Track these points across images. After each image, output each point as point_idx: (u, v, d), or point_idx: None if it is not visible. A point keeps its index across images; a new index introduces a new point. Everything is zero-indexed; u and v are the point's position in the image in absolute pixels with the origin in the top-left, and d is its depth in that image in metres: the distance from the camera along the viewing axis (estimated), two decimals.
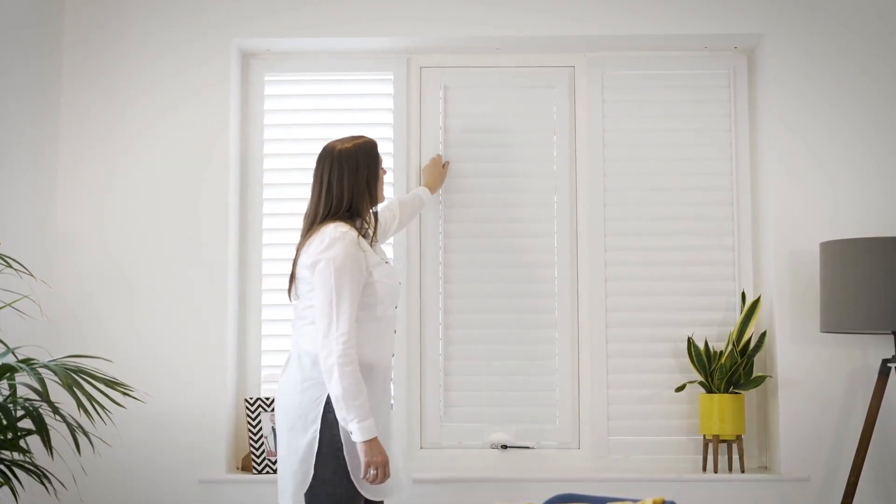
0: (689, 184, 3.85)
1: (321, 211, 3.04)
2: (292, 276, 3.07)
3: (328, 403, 2.91)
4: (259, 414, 3.68)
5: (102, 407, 2.85)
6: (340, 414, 2.85)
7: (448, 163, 3.82)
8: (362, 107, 3.93)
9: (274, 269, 3.85)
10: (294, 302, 3.09)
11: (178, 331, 3.67)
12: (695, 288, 3.81)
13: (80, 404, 2.73)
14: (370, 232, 3.07)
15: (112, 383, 2.77)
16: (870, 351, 3.59)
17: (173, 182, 3.73)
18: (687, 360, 3.71)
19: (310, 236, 3.00)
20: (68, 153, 3.75)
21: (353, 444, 2.88)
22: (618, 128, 3.88)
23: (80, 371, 2.70)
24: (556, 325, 3.83)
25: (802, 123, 3.70)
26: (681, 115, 3.88)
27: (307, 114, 3.93)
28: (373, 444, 2.85)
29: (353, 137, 3.13)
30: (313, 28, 3.78)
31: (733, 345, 3.62)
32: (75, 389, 2.69)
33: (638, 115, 3.88)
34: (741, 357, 3.60)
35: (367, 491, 2.93)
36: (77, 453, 2.91)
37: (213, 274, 3.69)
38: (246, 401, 3.69)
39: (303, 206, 3.82)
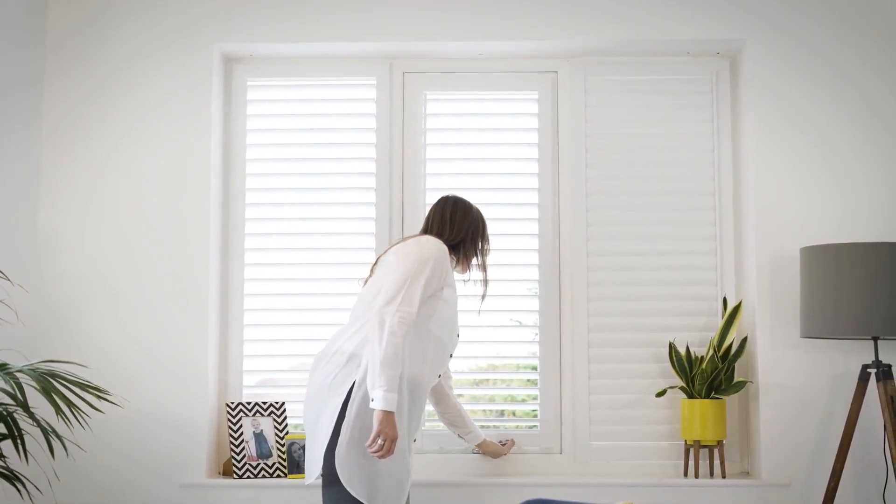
0: (672, 189, 3.85)
1: (430, 228, 3.27)
2: (372, 270, 3.20)
3: (348, 396, 2.97)
4: (240, 419, 3.68)
5: (80, 411, 2.85)
6: (371, 378, 2.89)
7: (513, 443, 3.73)
8: (345, 112, 3.94)
9: (256, 274, 3.86)
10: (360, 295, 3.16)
11: (160, 336, 3.67)
12: (677, 293, 3.81)
13: (57, 409, 2.73)
14: (459, 260, 3.27)
15: (86, 386, 2.77)
16: (850, 356, 3.59)
17: (155, 186, 3.73)
18: (669, 365, 3.71)
19: (407, 238, 3.20)
20: (50, 158, 3.75)
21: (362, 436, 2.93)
22: (600, 133, 3.88)
23: (52, 375, 2.69)
24: (538, 329, 3.83)
25: (784, 129, 3.71)
26: (663, 120, 3.88)
27: (290, 119, 3.93)
28: (390, 417, 2.87)
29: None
30: (296, 33, 3.78)
31: (714, 350, 3.62)
32: (52, 394, 2.69)
33: (621, 121, 3.88)
34: (722, 362, 3.60)
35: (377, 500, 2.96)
36: (51, 457, 2.91)
37: (195, 279, 3.69)
38: (227, 405, 3.69)
39: (286, 211, 3.88)
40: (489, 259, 3.39)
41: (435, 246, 3.10)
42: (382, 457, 2.88)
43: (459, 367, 3.80)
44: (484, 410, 3.85)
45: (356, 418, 2.96)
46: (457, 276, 3.30)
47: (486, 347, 3.85)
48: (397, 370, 2.88)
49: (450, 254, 3.18)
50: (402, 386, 2.97)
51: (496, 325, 3.85)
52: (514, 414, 3.86)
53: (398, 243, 3.18)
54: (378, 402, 2.86)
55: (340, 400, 2.97)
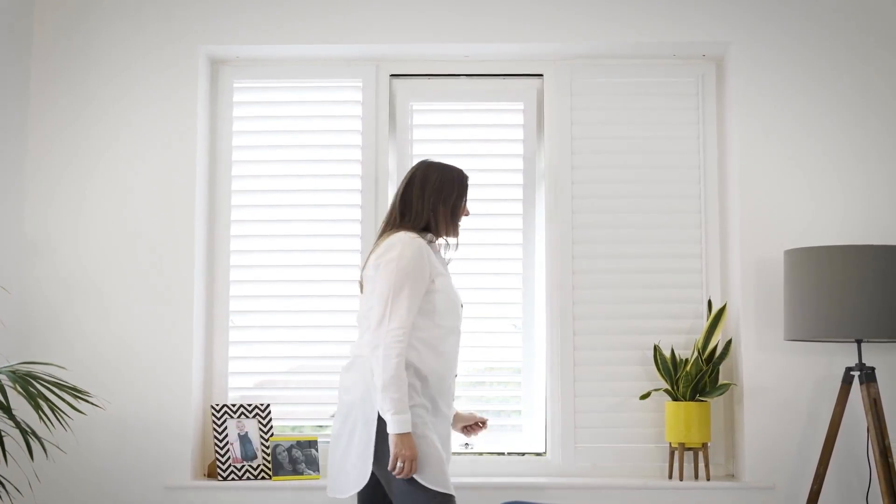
0: (657, 191, 3.86)
1: (394, 218, 3.12)
2: (362, 275, 3.13)
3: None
4: (225, 421, 3.68)
5: (61, 412, 2.85)
6: (379, 404, 2.88)
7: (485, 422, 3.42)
8: (331, 114, 3.94)
9: (242, 276, 3.87)
10: (362, 302, 3.11)
11: (145, 337, 3.67)
12: (662, 295, 3.81)
13: (38, 410, 2.73)
14: (437, 241, 3.15)
15: (64, 387, 2.77)
16: (834, 359, 3.59)
17: (141, 189, 3.73)
18: (653, 367, 3.71)
19: (380, 240, 3.08)
20: (36, 160, 3.75)
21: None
22: (586, 135, 3.88)
23: (32, 376, 2.69)
24: (523, 331, 3.83)
25: (769, 132, 3.71)
26: (649, 123, 3.89)
27: (276, 120, 3.94)
28: (404, 439, 2.85)
29: (446, 164, 3.18)
30: (282, 35, 3.78)
31: (699, 352, 3.62)
32: (35, 396, 2.70)
33: (606, 123, 3.89)
34: (706, 365, 3.60)
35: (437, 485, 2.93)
36: (30, 459, 2.91)
37: (180, 280, 3.69)
38: (212, 407, 3.69)
39: (272, 213, 3.88)
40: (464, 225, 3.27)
41: (407, 247, 2.98)
42: (406, 476, 2.87)
43: (459, 369, 3.79)
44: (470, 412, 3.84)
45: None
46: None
47: (472, 351, 3.84)
48: (401, 390, 2.87)
49: (425, 236, 3.08)
50: (425, 389, 2.97)
51: (482, 329, 3.84)
52: (499, 415, 3.86)
53: (374, 249, 3.08)
54: (391, 427, 2.85)
55: (375, 406, 2.93)
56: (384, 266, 2.96)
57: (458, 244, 3.20)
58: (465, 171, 3.19)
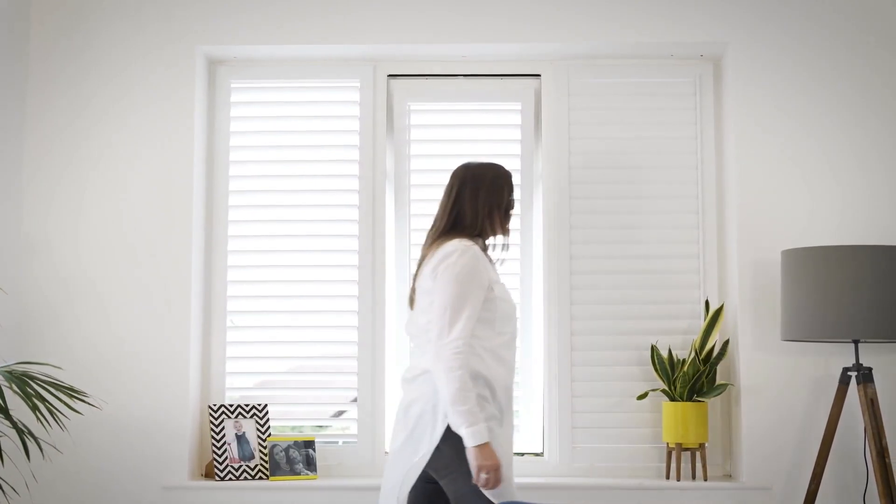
0: (655, 192, 3.86)
1: (445, 226, 3.04)
2: (413, 288, 3.06)
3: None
4: (222, 421, 3.68)
5: (58, 412, 2.85)
6: (450, 419, 2.82)
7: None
8: (329, 114, 3.94)
9: (239, 276, 3.87)
10: (413, 318, 3.05)
11: (142, 337, 3.67)
12: (659, 296, 3.81)
13: (34, 410, 2.73)
14: (491, 249, 3.10)
15: (60, 387, 2.77)
16: (831, 359, 3.59)
17: (138, 188, 3.74)
18: (651, 368, 3.71)
19: (432, 249, 2.99)
20: (33, 160, 3.75)
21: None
22: (584, 135, 3.88)
23: (27, 376, 2.70)
24: (520, 332, 3.83)
25: (766, 132, 3.71)
26: (647, 123, 3.88)
27: (274, 121, 3.94)
28: (483, 450, 2.79)
29: (491, 162, 3.12)
30: (280, 35, 3.78)
31: (696, 353, 3.62)
32: (32, 396, 2.70)
33: (604, 123, 3.88)
34: (704, 365, 3.60)
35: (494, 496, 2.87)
36: (27, 459, 2.91)
37: (178, 280, 3.69)
38: (209, 407, 3.70)
39: (269, 213, 3.88)
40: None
41: (463, 256, 2.91)
42: (493, 487, 2.82)
43: None
44: None
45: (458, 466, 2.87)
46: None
47: None
48: (469, 401, 2.80)
49: (478, 242, 3.02)
50: (494, 399, 2.91)
51: None
52: None
53: (426, 259, 3.00)
54: (468, 441, 2.80)
55: (442, 418, 2.87)
56: (442, 276, 2.89)
57: (508, 244, 3.16)
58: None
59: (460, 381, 2.80)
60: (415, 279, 3.06)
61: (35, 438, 2.85)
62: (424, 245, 3.07)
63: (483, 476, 2.79)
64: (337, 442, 3.84)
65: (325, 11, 3.78)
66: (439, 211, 3.09)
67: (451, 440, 2.84)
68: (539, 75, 3.92)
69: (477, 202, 3.03)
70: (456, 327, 2.84)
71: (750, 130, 3.71)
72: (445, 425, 2.85)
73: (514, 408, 3.80)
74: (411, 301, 3.08)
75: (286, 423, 3.86)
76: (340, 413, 3.87)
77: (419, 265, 3.04)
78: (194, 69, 3.77)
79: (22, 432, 2.76)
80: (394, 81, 3.93)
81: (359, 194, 3.86)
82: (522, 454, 3.81)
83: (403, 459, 2.93)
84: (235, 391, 3.86)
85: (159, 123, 3.76)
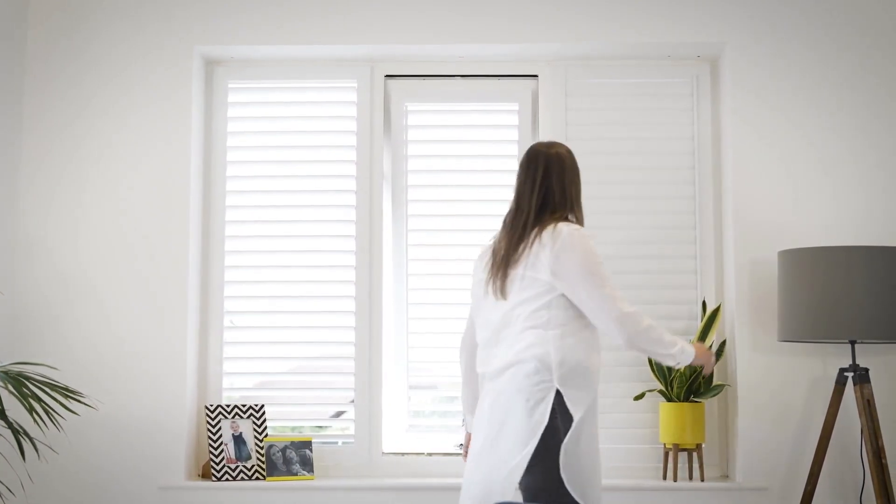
0: (652, 192, 3.86)
1: (536, 210, 2.88)
2: (503, 277, 2.86)
3: (554, 410, 2.74)
4: (219, 421, 3.68)
5: (54, 412, 2.85)
6: (675, 360, 2.84)
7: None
8: (326, 114, 3.94)
9: (236, 277, 3.87)
10: (499, 308, 2.87)
11: (139, 337, 3.67)
12: (657, 296, 3.81)
13: (31, 410, 2.73)
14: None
15: (55, 387, 2.77)
16: (827, 360, 3.59)
17: (135, 188, 3.74)
18: (647, 368, 3.71)
19: (533, 235, 2.84)
20: (30, 160, 3.75)
21: (575, 452, 2.74)
22: (581, 136, 3.88)
23: (22, 376, 2.70)
24: None
25: (764, 132, 3.71)
26: (644, 124, 3.88)
27: (271, 121, 3.94)
28: (701, 352, 2.93)
29: (561, 143, 3.01)
30: (277, 35, 3.78)
31: None
32: (28, 397, 2.70)
33: (601, 124, 3.88)
34: None
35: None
36: (23, 459, 2.91)
37: (175, 281, 3.69)
38: (206, 408, 3.70)
39: (266, 214, 3.87)
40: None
41: (582, 236, 2.82)
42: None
43: (450, 370, 3.87)
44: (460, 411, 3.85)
45: (580, 424, 2.76)
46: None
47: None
48: (663, 335, 2.82)
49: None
50: (591, 383, 2.82)
51: None
52: None
53: (526, 245, 2.83)
54: (686, 358, 2.84)
55: (545, 414, 2.74)
56: (573, 258, 2.77)
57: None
58: None
59: (655, 331, 2.81)
60: (503, 268, 2.86)
61: (31, 438, 2.85)
62: (511, 232, 2.90)
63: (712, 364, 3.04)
64: (336, 442, 3.84)
65: (322, 12, 3.78)
66: (524, 196, 2.92)
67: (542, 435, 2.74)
68: (536, 76, 3.92)
69: (564, 184, 2.91)
70: (617, 295, 2.79)
71: (747, 131, 3.71)
72: (541, 418, 2.73)
73: None
74: (501, 292, 2.86)
75: (282, 423, 3.85)
76: (340, 413, 3.86)
77: (506, 253, 2.86)
78: (191, 70, 3.77)
79: (17, 432, 2.76)
80: (391, 82, 3.94)
81: (356, 195, 3.86)
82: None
83: (503, 455, 2.75)
84: (232, 391, 3.85)
85: (157, 124, 3.76)
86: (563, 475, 2.71)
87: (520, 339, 2.81)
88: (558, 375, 2.75)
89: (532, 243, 2.84)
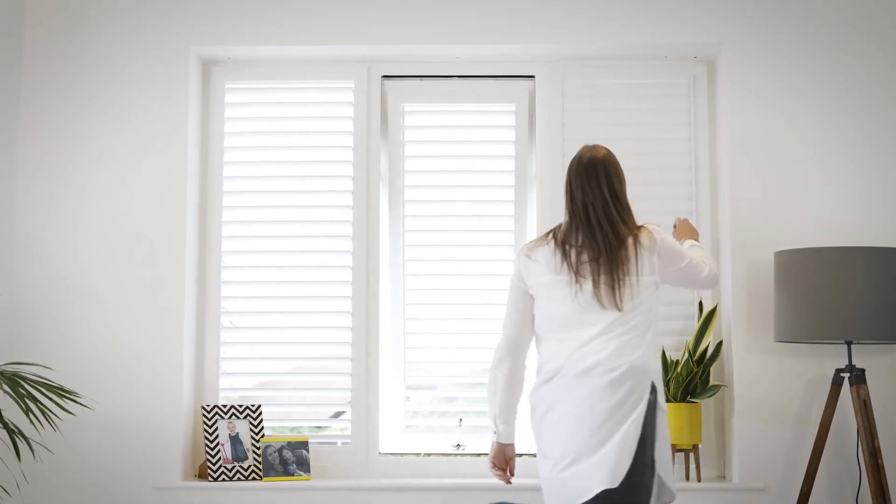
0: (648, 193, 3.83)
1: (615, 215, 2.99)
2: (617, 285, 2.91)
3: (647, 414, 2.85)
4: (216, 421, 3.68)
5: (50, 412, 2.85)
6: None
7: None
8: (323, 115, 3.95)
9: (233, 277, 3.87)
10: (618, 314, 2.91)
11: (136, 337, 3.67)
12: None
13: (27, 410, 2.73)
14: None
15: (50, 387, 2.77)
16: (824, 360, 3.59)
17: (132, 188, 3.74)
18: None
19: (631, 242, 2.95)
20: (28, 160, 3.75)
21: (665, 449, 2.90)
22: (578, 136, 3.84)
23: (18, 376, 2.70)
24: None
25: (760, 133, 3.71)
26: (641, 124, 3.88)
27: (268, 121, 3.94)
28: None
29: (601, 146, 3.12)
30: (274, 36, 3.79)
31: (690, 354, 3.62)
32: (24, 397, 2.70)
33: (598, 124, 3.88)
34: (697, 366, 3.60)
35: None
36: (18, 459, 2.91)
37: (171, 281, 3.69)
38: (203, 408, 3.69)
39: (263, 214, 3.87)
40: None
41: (661, 230, 3.09)
42: None
43: (447, 371, 3.89)
44: (466, 412, 3.86)
45: (661, 425, 2.90)
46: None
47: (466, 352, 3.88)
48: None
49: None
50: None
51: (474, 331, 3.87)
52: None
53: (623, 254, 2.93)
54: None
55: (640, 415, 2.84)
56: (667, 249, 3.03)
57: None
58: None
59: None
60: (608, 274, 2.92)
61: (26, 439, 2.85)
62: (601, 238, 2.95)
63: None
64: (336, 443, 3.84)
65: (319, 12, 3.78)
66: (597, 202, 2.99)
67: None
68: (533, 76, 3.92)
69: (624, 189, 3.07)
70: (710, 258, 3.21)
71: (743, 132, 3.72)
72: (640, 419, 2.83)
73: None
74: (619, 302, 2.90)
75: (280, 423, 3.85)
76: (340, 413, 3.86)
77: (608, 259, 2.92)
78: (188, 70, 3.77)
79: (12, 432, 2.76)
80: (388, 82, 3.94)
81: (353, 195, 3.86)
82: (522, 455, 3.80)
83: (622, 457, 2.82)
84: (229, 392, 3.85)
85: (154, 124, 3.76)
86: (660, 473, 2.87)
87: (627, 343, 2.88)
88: (654, 380, 2.90)
89: (635, 248, 2.95)
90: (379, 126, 3.90)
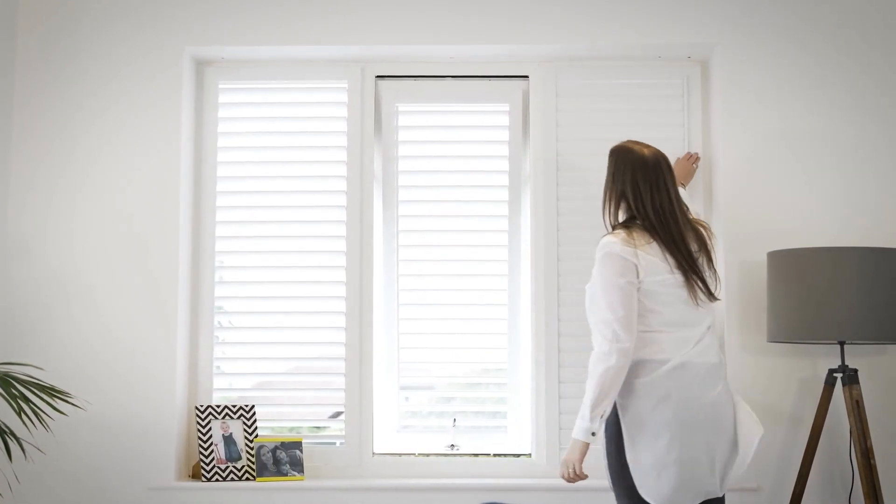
0: None
1: (681, 212, 3.07)
2: (702, 280, 3.01)
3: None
4: (209, 422, 3.68)
5: (42, 412, 2.85)
6: None
7: (698, 156, 3.80)
8: (317, 115, 3.94)
9: (227, 277, 3.87)
10: (702, 309, 3.02)
11: (129, 338, 3.67)
12: None
13: (19, 410, 2.73)
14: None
15: (42, 387, 2.77)
16: (817, 361, 3.59)
17: (125, 188, 3.74)
18: None
19: (705, 238, 3.11)
20: (19, 159, 3.75)
21: None
22: (572, 136, 3.88)
23: (9, 376, 2.70)
24: (508, 333, 3.83)
25: (754, 133, 3.72)
26: (635, 124, 3.87)
27: (262, 122, 3.94)
28: None
29: (647, 144, 3.16)
30: (267, 36, 3.78)
31: None
32: (16, 397, 2.70)
33: (592, 124, 3.88)
34: None
35: None
36: (9, 460, 2.91)
37: (164, 281, 3.69)
38: (196, 408, 3.69)
39: (257, 214, 3.87)
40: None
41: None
42: None
43: (442, 371, 3.88)
44: (460, 412, 3.86)
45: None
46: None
47: (461, 352, 3.88)
48: None
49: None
50: None
51: (468, 331, 3.87)
52: (484, 416, 3.86)
53: (704, 244, 3.09)
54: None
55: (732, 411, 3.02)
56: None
57: None
58: None
59: None
60: (698, 271, 3.01)
61: (17, 439, 2.85)
62: (682, 234, 3.03)
63: None
64: (335, 443, 3.84)
65: (312, 13, 3.78)
66: (665, 199, 3.05)
67: None
68: (527, 76, 3.92)
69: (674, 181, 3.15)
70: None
71: (736, 132, 3.72)
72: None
73: (503, 408, 3.83)
74: (705, 294, 3.01)
75: (276, 424, 3.85)
76: (338, 414, 3.86)
77: (694, 257, 3.02)
78: (182, 70, 3.77)
79: (3, 433, 2.76)
80: (382, 82, 3.94)
81: (346, 195, 3.86)
82: (510, 455, 3.81)
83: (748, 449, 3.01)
84: (221, 392, 3.85)
85: (148, 125, 3.76)
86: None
87: (714, 341, 3.04)
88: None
89: (705, 245, 3.08)
90: (373, 126, 3.91)
